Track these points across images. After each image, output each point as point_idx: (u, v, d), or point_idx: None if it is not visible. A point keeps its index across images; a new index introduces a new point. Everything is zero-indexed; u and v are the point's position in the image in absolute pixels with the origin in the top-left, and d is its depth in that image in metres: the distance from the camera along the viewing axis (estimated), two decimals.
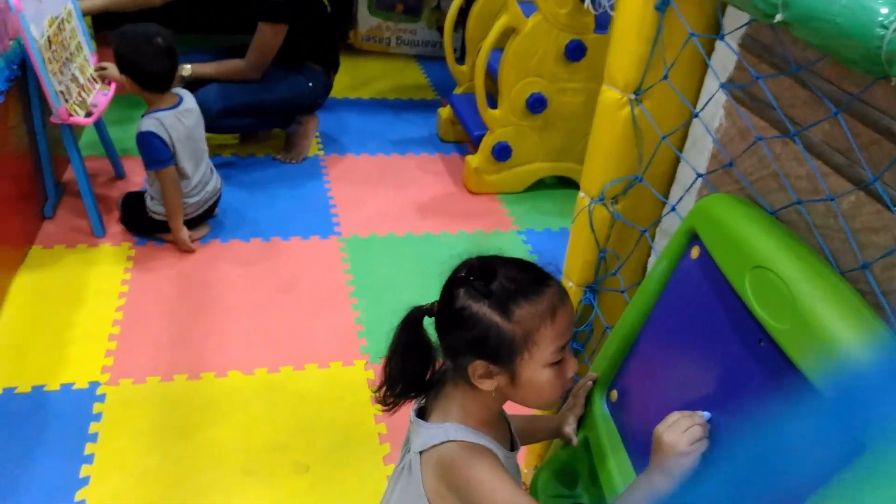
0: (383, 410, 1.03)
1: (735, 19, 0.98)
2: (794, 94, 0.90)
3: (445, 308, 0.95)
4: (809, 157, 0.86)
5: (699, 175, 1.07)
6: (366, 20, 4.09)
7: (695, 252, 0.96)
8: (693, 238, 0.97)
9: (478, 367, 0.93)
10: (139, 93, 2.29)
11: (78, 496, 1.58)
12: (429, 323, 0.98)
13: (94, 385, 1.86)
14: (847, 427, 0.64)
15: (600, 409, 1.12)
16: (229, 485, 1.64)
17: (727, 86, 1.00)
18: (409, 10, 4.11)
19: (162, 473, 1.65)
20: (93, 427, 1.74)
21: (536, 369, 0.92)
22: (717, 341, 0.91)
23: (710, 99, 1.05)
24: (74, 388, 1.85)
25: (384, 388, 1.02)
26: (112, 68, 2.41)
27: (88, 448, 1.69)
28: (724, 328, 0.90)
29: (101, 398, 1.82)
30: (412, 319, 0.99)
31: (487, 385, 0.94)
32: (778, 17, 0.75)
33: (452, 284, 0.94)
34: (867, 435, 0.62)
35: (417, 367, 1.00)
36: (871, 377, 0.67)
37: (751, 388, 0.84)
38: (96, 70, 2.51)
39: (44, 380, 1.86)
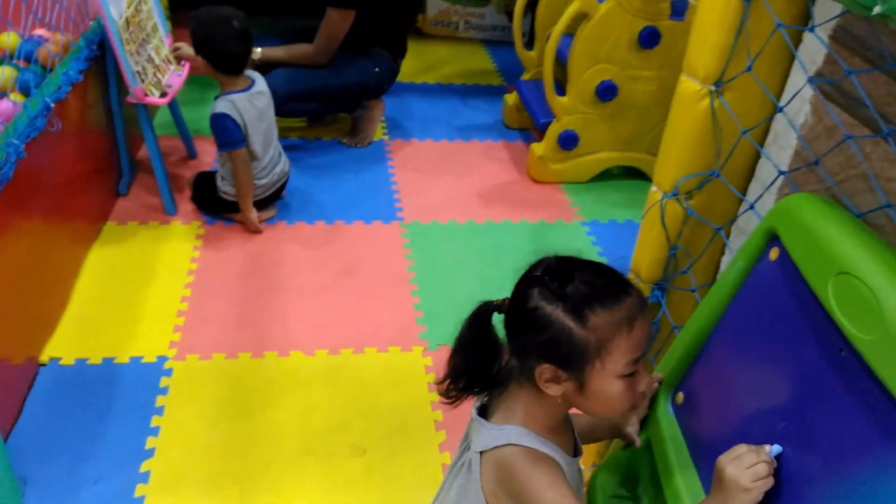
0: (444, 403, 1.02)
1: (826, 10, 0.93)
2: (888, 90, 0.85)
3: (517, 307, 0.92)
4: None
5: (781, 172, 1.02)
6: (435, 4, 4.08)
7: (773, 253, 0.92)
8: (772, 239, 0.92)
9: (545, 370, 0.90)
10: (213, 74, 2.33)
11: (143, 467, 1.63)
12: (498, 319, 0.96)
13: (162, 359, 1.92)
14: None
15: (665, 411, 1.09)
16: (288, 463, 1.67)
17: (815, 80, 0.95)
18: None
19: (224, 448, 1.69)
20: (159, 400, 1.79)
21: (607, 380, 0.89)
22: (793, 348, 0.87)
23: (796, 93, 1.00)
24: (143, 361, 1.91)
25: (447, 382, 1.00)
26: (186, 47, 2.46)
27: (154, 420, 1.74)
28: (801, 334, 0.86)
29: (168, 372, 1.88)
30: (480, 315, 0.96)
31: (554, 390, 0.91)
32: (877, 10, 0.71)
33: (526, 283, 0.91)
34: None
35: (482, 363, 0.98)
36: None
37: (828, 398, 0.80)
38: (171, 50, 2.57)
39: (114, 352, 1.92)
